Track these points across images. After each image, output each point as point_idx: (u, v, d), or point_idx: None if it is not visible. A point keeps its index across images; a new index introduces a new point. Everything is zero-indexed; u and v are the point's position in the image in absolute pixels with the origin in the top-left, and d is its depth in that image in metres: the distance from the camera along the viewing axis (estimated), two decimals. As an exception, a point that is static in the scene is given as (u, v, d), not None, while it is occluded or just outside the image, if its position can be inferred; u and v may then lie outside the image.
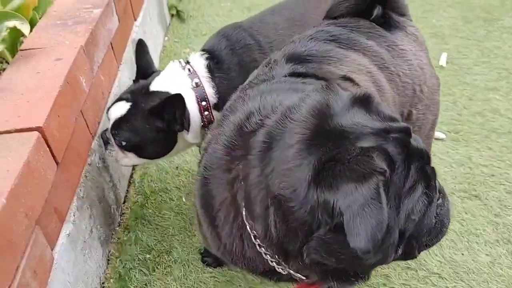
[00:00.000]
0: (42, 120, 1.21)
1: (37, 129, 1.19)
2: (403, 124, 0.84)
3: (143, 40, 1.68)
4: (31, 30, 1.60)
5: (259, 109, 0.96)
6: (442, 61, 2.68)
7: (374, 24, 1.30)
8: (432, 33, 2.95)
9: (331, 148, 0.77)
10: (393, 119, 0.84)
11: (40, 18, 1.74)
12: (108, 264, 1.62)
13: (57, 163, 1.27)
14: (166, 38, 2.94)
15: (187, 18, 3.15)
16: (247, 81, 1.25)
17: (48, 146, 1.23)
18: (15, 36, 1.66)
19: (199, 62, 1.61)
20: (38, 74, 1.40)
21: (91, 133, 1.57)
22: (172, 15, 3.12)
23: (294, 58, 1.19)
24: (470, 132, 2.19)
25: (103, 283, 1.55)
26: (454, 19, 3.07)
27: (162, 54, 2.78)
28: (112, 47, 1.86)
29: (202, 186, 1.01)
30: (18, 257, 1.04)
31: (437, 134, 2.17)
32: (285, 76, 1.13)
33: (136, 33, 2.23)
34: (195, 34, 3.00)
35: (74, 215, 1.36)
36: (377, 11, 1.29)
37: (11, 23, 1.42)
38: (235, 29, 1.71)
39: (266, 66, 1.23)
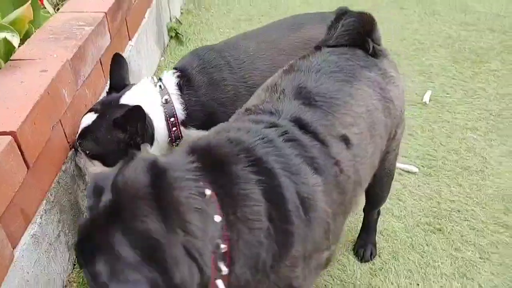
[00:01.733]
0: (17, 126, 1.30)
1: (11, 133, 1.28)
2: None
3: (120, 54, 1.77)
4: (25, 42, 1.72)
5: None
6: (426, 98, 2.75)
7: (365, 53, 1.40)
8: (420, 70, 3.04)
9: None
10: None
11: (35, 32, 1.86)
12: (73, 269, 1.68)
13: (28, 167, 1.35)
14: (162, 58, 3.06)
15: (185, 41, 3.28)
16: (251, 103, 1.28)
17: (21, 150, 1.31)
18: (10, 47, 1.77)
19: (170, 80, 1.70)
20: (22, 83, 1.50)
21: (68, 142, 1.66)
22: (171, 37, 3.25)
23: (303, 96, 1.22)
24: (443, 168, 2.25)
25: (65, 286, 1.61)
26: (443, 59, 3.17)
27: (156, 73, 2.89)
28: (101, 63, 1.96)
29: None
30: (-24, 250, 1.11)
31: (410, 167, 2.23)
32: (291, 121, 1.16)
33: (129, 51, 2.35)
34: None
35: (41, 218, 1.44)
36: (370, 43, 1.38)
37: (2, 35, 1.53)
38: (207, 50, 1.82)
39: (274, 93, 1.26)
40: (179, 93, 1.67)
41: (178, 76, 1.70)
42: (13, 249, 1.30)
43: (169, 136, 1.67)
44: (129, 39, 2.40)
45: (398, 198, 2.08)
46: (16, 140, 1.29)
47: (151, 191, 0.84)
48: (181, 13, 3.69)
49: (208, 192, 0.90)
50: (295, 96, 1.23)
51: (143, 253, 0.79)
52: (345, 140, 1.20)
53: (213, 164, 0.97)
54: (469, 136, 2.46)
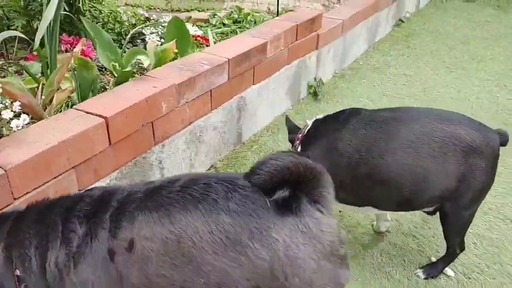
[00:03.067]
0: (110, 114, 1.97)
1: (104, 117, 1.95)
2: None
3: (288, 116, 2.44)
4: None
5: None
6: (518, 218, 2.62)
7: (265, 202, 1.24)
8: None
9: None
10: None
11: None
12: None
13: (110, 143, 2.00)
14: (291, 107, 3.57)
15: (321, 99, 3.73)
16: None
17: (108, 130, 1.97)
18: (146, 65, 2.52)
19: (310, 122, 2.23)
20: (137, 90, 2.19)
21: (154, 139, 2.28)
22: (309, 93, 3.74)
23: (154, 198, 1.28)
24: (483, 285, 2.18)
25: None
26: None
27: (278, 117, 3.41)
28: (211, 94, 2.57)
29: None
30: (49, 178, 1.78)
31: (446, 269, 2.23)
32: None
33: (249, 93, 2.93)
34: (318, 112, 3.54)
35: (110, 181, 2.08)
36: (282, 193, 1.23)
37: (139, 57, 2.26)
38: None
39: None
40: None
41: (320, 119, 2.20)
42: (78, 190, 1.95)
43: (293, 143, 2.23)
44: (253, 83, 2.97)
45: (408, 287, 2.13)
46: (107, 123, 1.96)
47: None
48: (333, 76, 4.15)
49: None
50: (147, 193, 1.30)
51: None
52: (130, 244, 1.24)
53: None
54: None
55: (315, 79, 3.77)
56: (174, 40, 2.50)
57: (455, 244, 2.12)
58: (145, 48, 2.88)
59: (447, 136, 1.86)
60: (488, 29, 5.80)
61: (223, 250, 1.20)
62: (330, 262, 1.29)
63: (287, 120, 2.38)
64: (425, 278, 2.17)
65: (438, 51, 5.01)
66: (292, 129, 2.31)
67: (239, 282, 1.22)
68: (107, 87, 2.47)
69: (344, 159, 1.98)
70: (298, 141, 2.17)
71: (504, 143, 1.96)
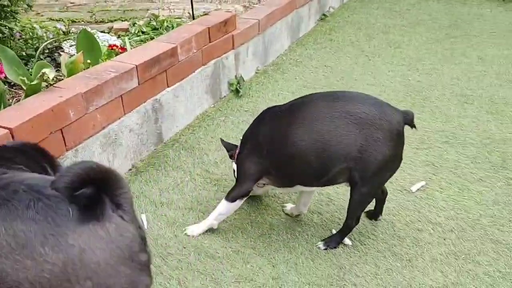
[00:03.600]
0: (15, 125, 2.12)
1: (9, 129, 2.10)
2: None
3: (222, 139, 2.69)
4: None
5: None
6: (414, 187, 2.90)
7: (68, 211, 1.29)
8: (429, 161, 3.15)
9: None
10: None
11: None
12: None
13: (18, 152, 2.15)
14: (213, 105, 3.78)
15: (243, 95, 3.95)
16: None
17: (13, 140, 2.12)
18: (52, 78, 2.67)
19: None
20: (43, 101, 2.34)
21: (66, 146, 2.44)
22: (231, 90, 3.95)
23: None
24: (375, 247, 2.44)
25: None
26: (467, 158, 3.20)
27: (199, 116, 3.62)
28: (122, 99, 2.75)
29: None
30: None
31: (345, 239, 2.48)
32: None
33: (164, 95, 3.12)
34: (238, 108, 3.77)
35: (22, 187, 2.22)
36: (87, 191, 1.31)
37: (45, 70, 2.41)
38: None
39: None
40: None
41: None
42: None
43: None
44: (167, 86, 3.16)
45: (308, 257, 2.37)
46: (11, 133, 2.11)
47: None
48: (256, 72, 4.38)
49: None
50: None
51: None
52: None
53: None
54: (427, 229, 2.57)
55: (235, 77, 3.98)
56: (81, 52, 2.66)
57: (353, 218, 2.38)
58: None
59: (337, 111, 2.11)
60: (407, 17, 6.18)
61: (7, 252, 1.24)
62: (129, 267, 1.36)
63: (222, 141, 2.66)
64: (324, 249, 2.42)
65: (358, 42, 5.32)
66: (230, 146, 2.61)
67: (21, 284, 1.28)
68: (21, 100, 2.61)
69: (264, 149, 2.28)
70: (236, 154, 2.46)
71: (408, 121, 2.21)
